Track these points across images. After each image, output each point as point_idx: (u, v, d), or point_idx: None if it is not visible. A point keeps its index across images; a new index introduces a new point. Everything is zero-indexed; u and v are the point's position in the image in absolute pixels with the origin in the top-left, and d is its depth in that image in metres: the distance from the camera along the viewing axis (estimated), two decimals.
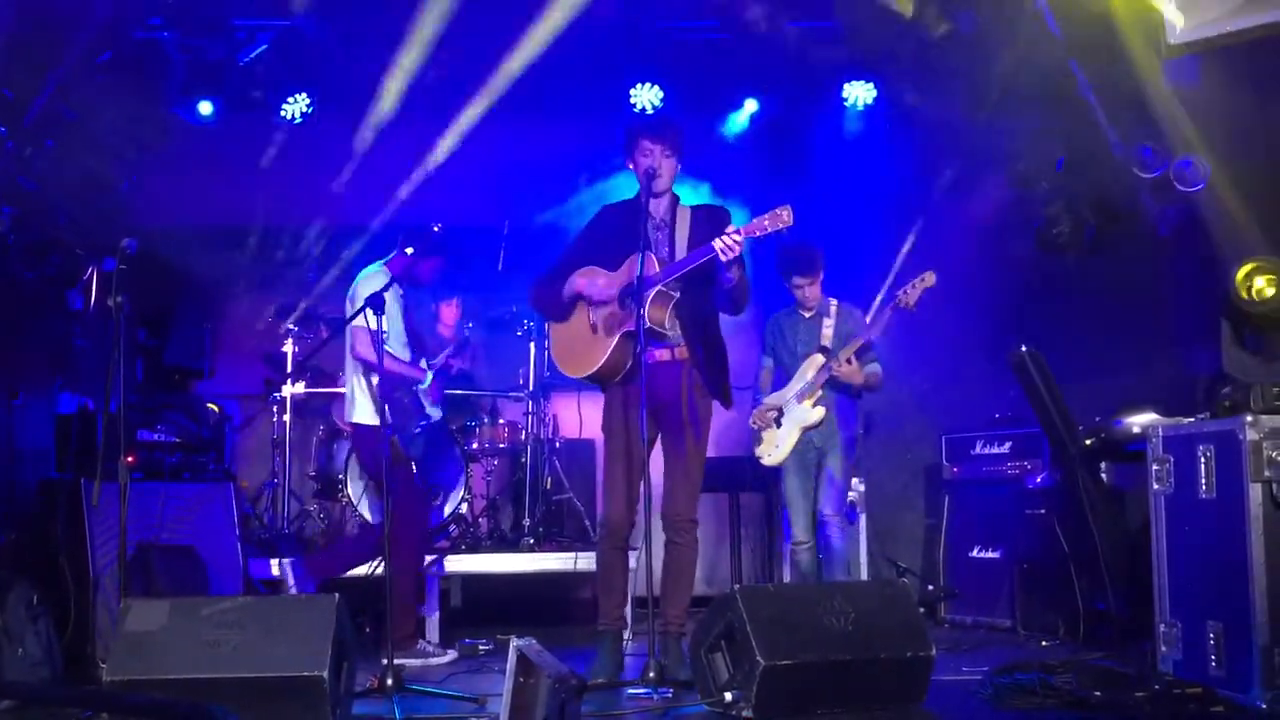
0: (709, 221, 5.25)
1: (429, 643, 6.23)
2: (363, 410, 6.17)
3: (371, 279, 6.12)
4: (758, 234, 4.90)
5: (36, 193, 6.56)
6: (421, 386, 6.27)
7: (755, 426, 6.43)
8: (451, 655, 6.12)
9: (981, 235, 7.96)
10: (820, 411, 6.22)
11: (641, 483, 4.97)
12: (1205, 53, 5.55)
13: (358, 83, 7.82)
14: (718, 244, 4.91)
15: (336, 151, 8.08)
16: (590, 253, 5.34)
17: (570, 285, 5.29)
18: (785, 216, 4.87)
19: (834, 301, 6.36)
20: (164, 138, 7.61)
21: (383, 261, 6.29)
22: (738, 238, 4.89)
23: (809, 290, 6.31)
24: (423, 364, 6.38)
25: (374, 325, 5.33)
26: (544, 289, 5.42)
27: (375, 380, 6.04)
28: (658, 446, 5.32)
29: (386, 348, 6.04)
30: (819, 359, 6.25)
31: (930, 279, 6.03)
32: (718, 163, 8.09)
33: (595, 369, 5.22)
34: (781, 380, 6.42)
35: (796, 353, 6.35)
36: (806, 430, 6.26)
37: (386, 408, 5.56)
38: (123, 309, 5.17)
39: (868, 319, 6.47)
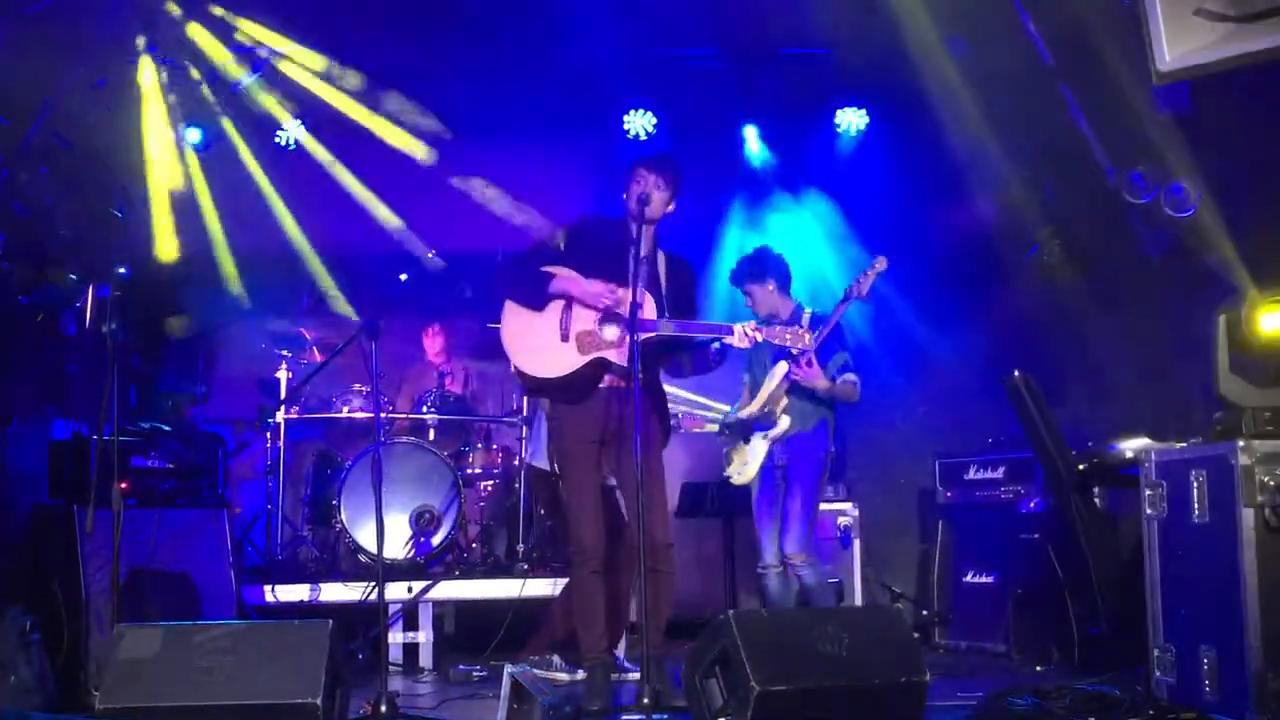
0: (681, 272, 5.27)
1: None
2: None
3: None
4: (774, 342, 4.88)
5: (31, 219, 6.57)
6: None
7: (722, 442, 6.25)
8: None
9: (973, 260, 7.99)
10: (785, 420, 5.98)
11: (635, 508, 4.89)
12: (1195, 79, 5.58)
13: (352, 110, 7.87)
14: (738, 330, 4.91)
15: (330, 178, 8.11)
16: (569, 256, 5.19)
17: (558, 284, 5.12)
18: (807, 339, 4.88)
19: (808, 311, 6.10)
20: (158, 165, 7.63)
21: None
22: (758, 335, 4.89)
23: (760, 299, 6.10)
24: None
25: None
26: (530, 272, 5.19)
27: None
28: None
29: None
30: (783, 366, 5.96)
31: (881, 264, 5.85)
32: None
33: (552, 377, 5.11)
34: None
35: (767, 366, 6.08)
36: (773, 442, 6.01)
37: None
38: (117, 335, 5.18)
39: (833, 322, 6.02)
